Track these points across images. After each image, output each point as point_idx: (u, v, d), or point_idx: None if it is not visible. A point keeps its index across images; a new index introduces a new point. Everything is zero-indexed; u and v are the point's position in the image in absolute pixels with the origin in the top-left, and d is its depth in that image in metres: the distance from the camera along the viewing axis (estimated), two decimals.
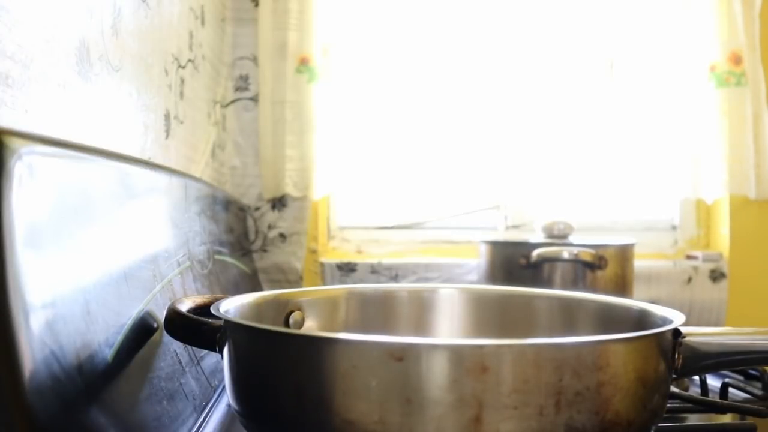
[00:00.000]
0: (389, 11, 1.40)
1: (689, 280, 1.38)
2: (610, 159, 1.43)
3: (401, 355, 0.36)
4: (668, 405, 0.50)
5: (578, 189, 1.43)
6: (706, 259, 1.39)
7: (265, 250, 1.33)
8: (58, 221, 0.40)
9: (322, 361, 0.38)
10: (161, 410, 0.48)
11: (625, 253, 1.09)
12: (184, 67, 0.96)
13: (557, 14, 1.41)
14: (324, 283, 1.34)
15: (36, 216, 0.38)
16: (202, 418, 0.56)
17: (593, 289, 1.02)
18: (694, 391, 0.68)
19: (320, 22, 1.30)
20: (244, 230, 1.24)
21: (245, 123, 1.34)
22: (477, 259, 1.20)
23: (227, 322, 0.44)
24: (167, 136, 0.87)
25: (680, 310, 0.49)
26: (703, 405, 0.60)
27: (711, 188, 1.35)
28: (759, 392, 0.66)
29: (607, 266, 1.04)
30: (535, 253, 1.03)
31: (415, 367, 0.36)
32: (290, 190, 1.31)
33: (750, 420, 0.58)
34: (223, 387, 0.59)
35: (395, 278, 1.35)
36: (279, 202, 1.34)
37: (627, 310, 0.55)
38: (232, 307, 0.50)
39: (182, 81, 0.95)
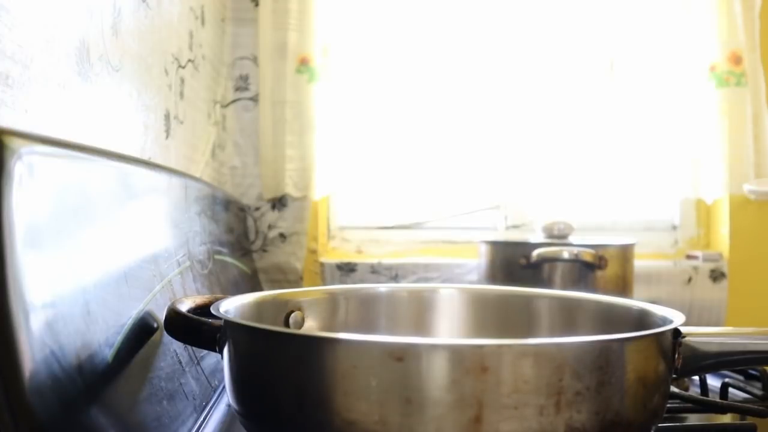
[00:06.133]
0: (389, 11, 1.40)
1: (689, 280, 1.38)
2: (610, 159, 1.43)
3: (401, 355, 0.36)
4: (668, 405, 0.50)
5: (578, 189, 1.43)
6: (706, 259, 1.39)
7: (265, 250, 1.33)
8: (58, 221, 0.40)
9: (322, 361, 0.38)
10: (161, 410, 0.48)
11: (625, 253, 1.09)
12: (184, 67, 0.96)
13: (557, 14, 1.41)
14: (324, 283, 1.34)
15: (36, 216, 0.38)
16: (202, 418, 0.56)
17: (593, 289, 1.02)
18: (694, 391, 0.68)
19: (320, 22, 1.30)
20: (244, 230, 1.24)
21: (245, 123, 1.34)
22: (477, 259, 1.20)
23: (227, 322, 0.44)
24: (167, 136, 0.87)
25: (680, 310, 0.49)
26: (703, 405, 0.60)
27: (711, 188, 1.35)
28: (759, 392, 0.66)
29: (607, 266, 1.04)
30: (535, 253, 1.03)
31: (415, 367, 0.36)
32: (290, 190, 1.31)
33: (750, 420, 0.58)
34: (223, 387, 0.59)
35: (395, 278, 1.35)
36: (279, 202, 1.34)
37: (627, 310, 0.55)
38: (232, 307, 0.50)
39: (182, 81, 0.95)
